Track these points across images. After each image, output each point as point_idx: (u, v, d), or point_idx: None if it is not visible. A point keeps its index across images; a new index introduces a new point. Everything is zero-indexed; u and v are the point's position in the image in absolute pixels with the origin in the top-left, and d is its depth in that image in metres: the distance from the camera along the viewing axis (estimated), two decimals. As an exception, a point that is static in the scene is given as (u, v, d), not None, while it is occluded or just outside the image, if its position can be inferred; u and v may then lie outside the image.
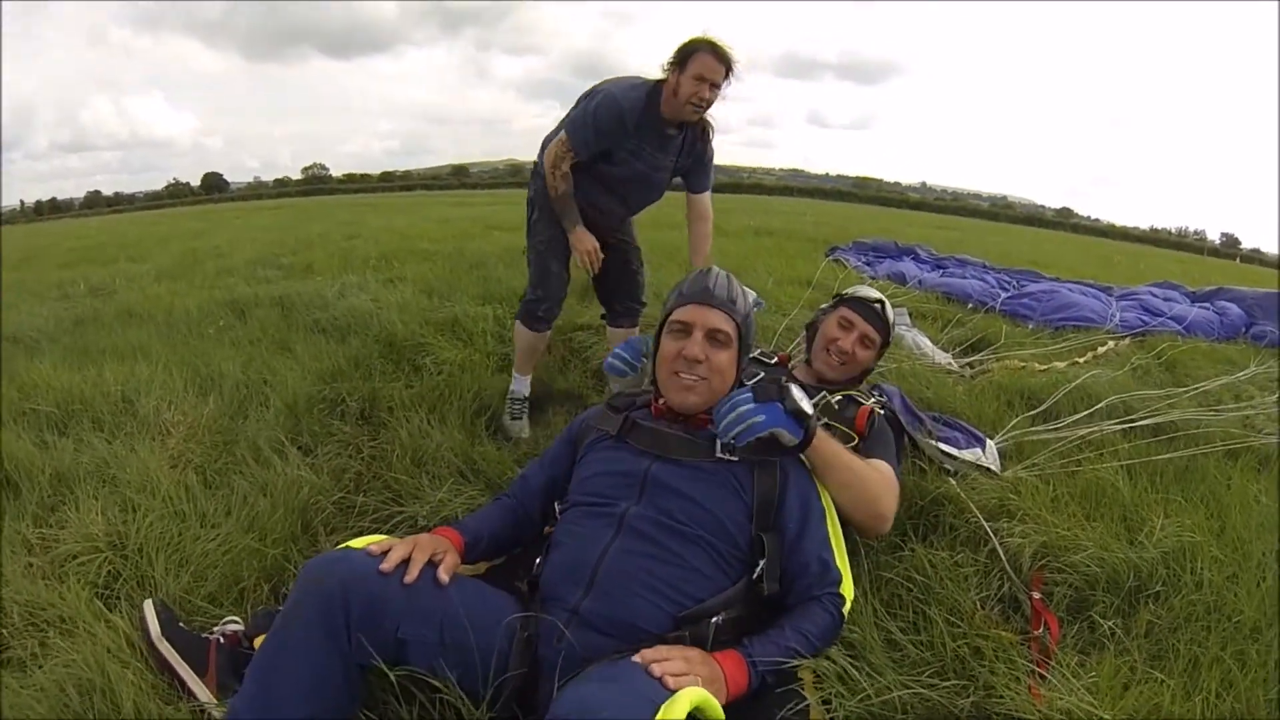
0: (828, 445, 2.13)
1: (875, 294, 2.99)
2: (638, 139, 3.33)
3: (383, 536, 1.83)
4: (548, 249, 3.56)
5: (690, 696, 1.42)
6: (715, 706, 1.50)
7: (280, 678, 1.53)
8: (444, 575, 1.76)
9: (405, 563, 1.72)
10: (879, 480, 2.25)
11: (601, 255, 3.47)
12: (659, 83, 3.29)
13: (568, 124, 3.36)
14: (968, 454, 3.00)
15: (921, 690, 1.84)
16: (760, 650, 1.76)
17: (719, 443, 2.05)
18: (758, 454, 2.04)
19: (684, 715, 1.37)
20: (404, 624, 1.64)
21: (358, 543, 1.80)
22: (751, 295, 2.35)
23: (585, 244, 3.43)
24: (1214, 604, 2.19)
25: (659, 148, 3.40)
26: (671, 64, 3.22)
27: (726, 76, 3.22)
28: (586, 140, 3.29)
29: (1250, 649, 2.02)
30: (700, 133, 3.48)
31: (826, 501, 2.10)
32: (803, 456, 2.11)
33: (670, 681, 1.51)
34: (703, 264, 3.54)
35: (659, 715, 1.34)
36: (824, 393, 2.66)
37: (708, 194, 3.73)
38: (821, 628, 1.89)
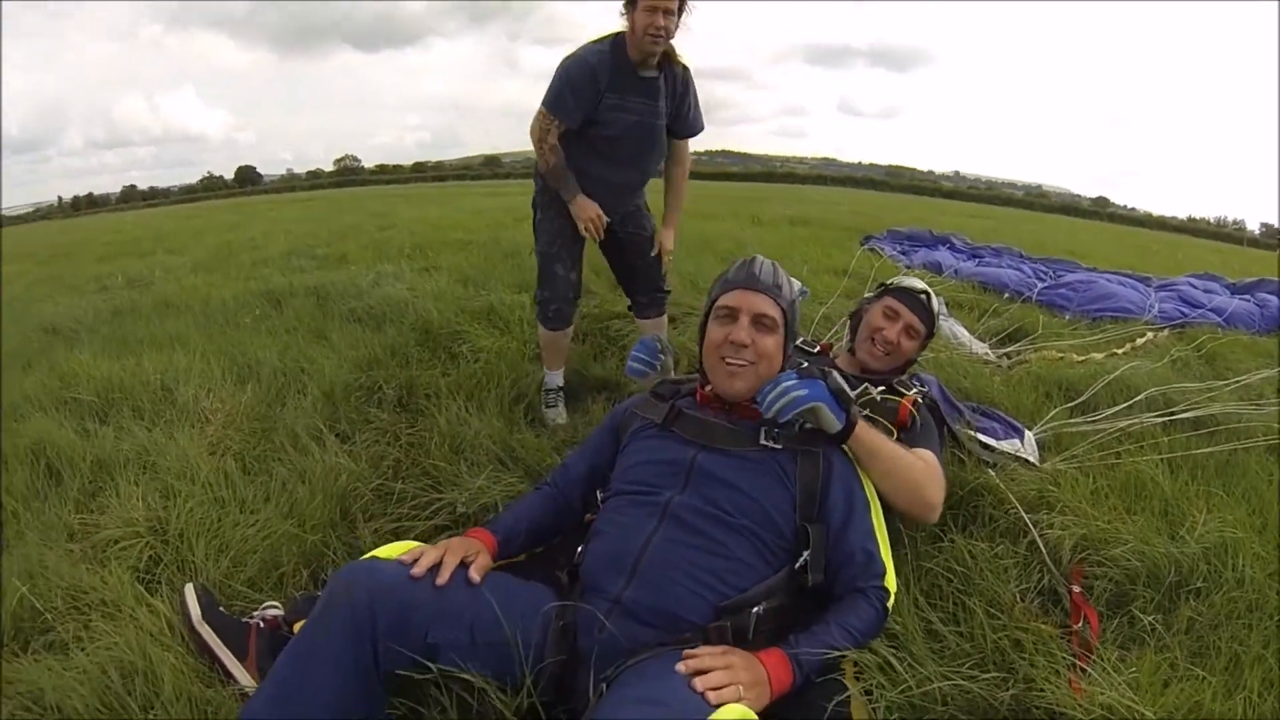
0: (870, 434, 2.11)
1: (921, 285, 2.97)
2: (618, 92, 3.32)
3: (413, 543, 1.85)
4: (550, 249, 3.56)
5: (728, 717, 1.42)
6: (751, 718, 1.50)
7: (300, 687, 1.53)
8: (475, 575, 1.77)
9: (436, 567, 1.74)
10: (924, 469, 2.21)
11: (605, 220, 3.46)
12: (620, 33, 3.31)
13: (545, 96, 3.33)
14: (1006, 445, 2.98)
15: (962, 681, 1.83)
16: (805, 648, 1.74)
17: (763, 431, 2.04)
18: (801, 444, 2.03)
19: None
20: (433, 629, 1.64)
21: (387, 550, 1.81)
22: (796, 284, 2.33)
23: (587, 212, 3.42)
24: (1256, 601, 2.17)
25: (642, 93, 3.38)
26: (626, 5, 3.23)
27: (681, 5, 3.22)
28: (565, 104, 3.28)
29: None
30: (678, 75, 3.47)
31: (870, 492, 2.07)
32: (845, 447, 2.10)
33: (712, 697, 1.49)
34: (677, 213, 3.77)
35: None
36: (865, 384, 2.64)
37: (688, 141, 3.74)
38: (866, 622, 1.88)
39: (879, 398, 2.59)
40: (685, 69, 3.49)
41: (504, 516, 2.15)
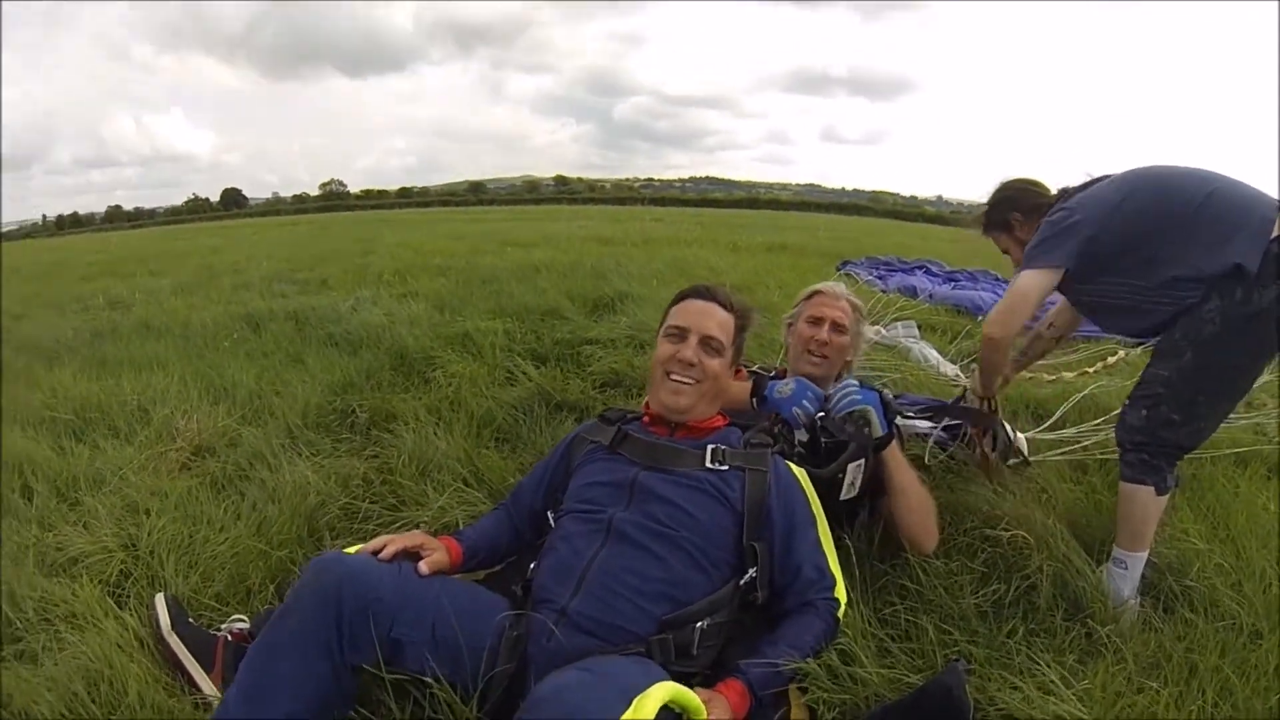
0: (900, 454, 2.42)
1: (836, 285, 3.10)
2: None
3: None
4: None
5: (660, 694, 1.42)
6: (695, 702, 1.52)
7: (272, 671, 1.58)
8: (424, 568, 1.83)
9: (400, 562, 1.82)
10: (932, 500, 2.46)
11: None
12: None
13: None
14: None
15: (909, 677, 1.90)
16: (760, 679, 1.79)
17: (710, 452, 2.09)
18: (749, 464, 2.09)
19: (654, 713, 1.37)
20: (396, 625, 1.68)
21: (353, 550, 1.86)
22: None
23: None
24: (1214, 611, 2.23)
25: None
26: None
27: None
28: None
29: (1250, 656, 2.02)
30: None
31: (816, 509, 2.12)
32: (883, 455, 2.37)
33: None
34: None
35: (628, 712, 1.36)
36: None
37: None
38: (817, 637, 1.92)
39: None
40: None
41: (467, 532, 2.21)
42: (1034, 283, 2.54)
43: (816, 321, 2.90)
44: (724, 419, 2.29)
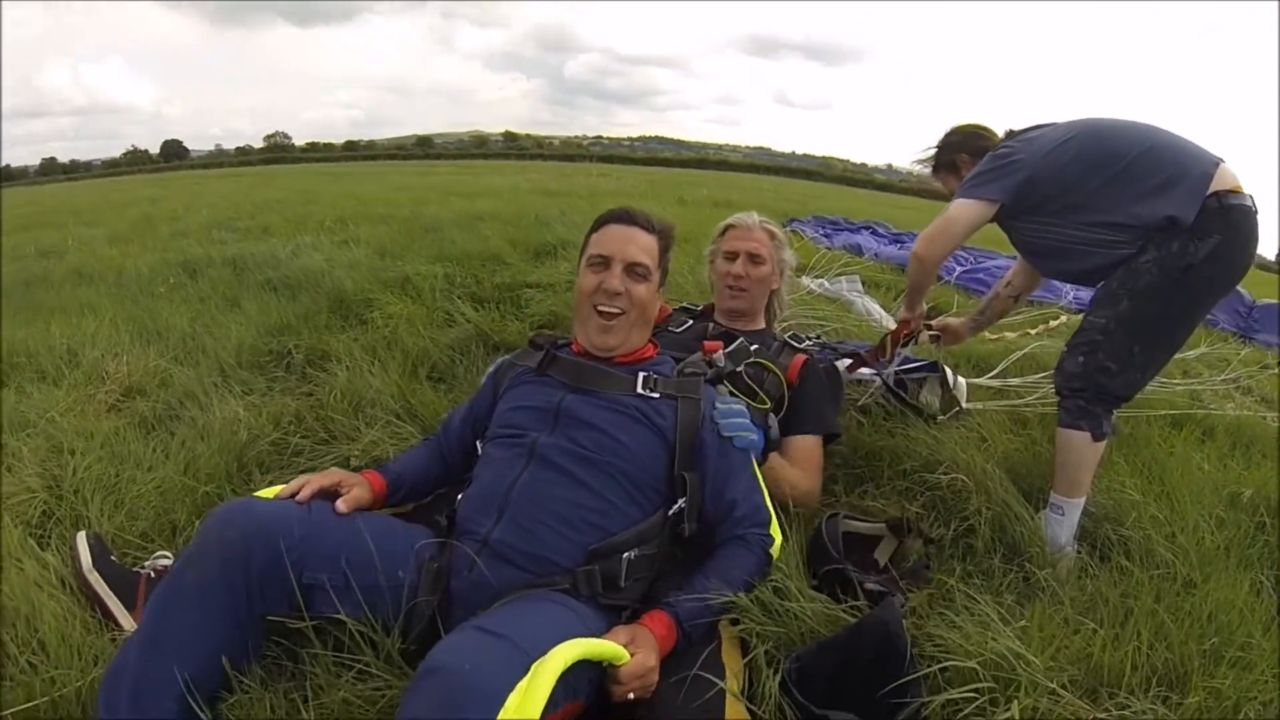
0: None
1: (750, 215, 3.02)
2: None
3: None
4: None
5: (564, 656, 1.36)
6: (611, 650, 1.50)
7: (170, 628, 1.51)
8: (341, 506, 1.78)
9: (315, 502, 1.76)
10: (787, 476, 2.41)
11: None
12: None
13: None
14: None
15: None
16: (688, 612, 1.75)
17: (641, 378, 2.05)
18: (682, 391, 2.06)
19: (552, 680, 1.30)
20: (308, 569, 1.63)
21: (269, 491, 1.80)
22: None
23: None
24: (1149, 560, 2.26)
25: None
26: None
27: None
28: None
29: (1185, 604, 2.05)
30: None
31: None
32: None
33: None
34: None
35: (522, 681, 1.29)
36: (741, 339, 2.67)
37: None
38: (749, 571, 1.89)
39: (771, 351, 2.68)
40: None
41: (392, 465, 2.15)
42: (965, 212, 2.59)
43: (731, 256, 2.87)
44: (655, 347, 2.26)
